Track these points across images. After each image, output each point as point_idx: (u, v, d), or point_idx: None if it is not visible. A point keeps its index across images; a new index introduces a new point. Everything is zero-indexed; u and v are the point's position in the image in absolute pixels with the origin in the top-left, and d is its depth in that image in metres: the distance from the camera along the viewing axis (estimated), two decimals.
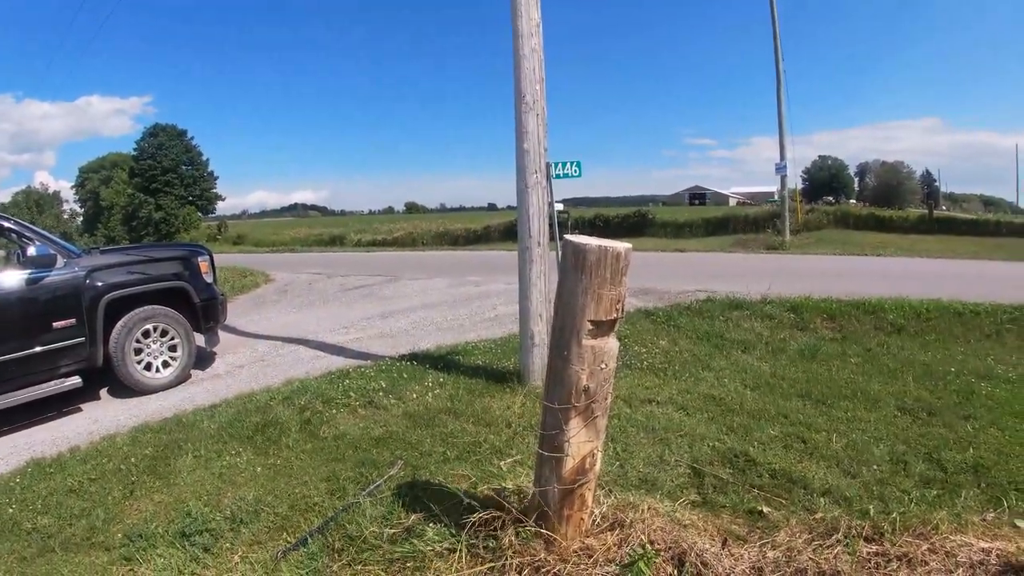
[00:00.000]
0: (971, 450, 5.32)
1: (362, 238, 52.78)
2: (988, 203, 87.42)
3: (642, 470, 4.62)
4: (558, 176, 8.69)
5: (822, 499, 4.31)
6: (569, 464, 3.21)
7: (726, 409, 5.87)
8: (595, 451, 3.28)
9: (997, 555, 3.66)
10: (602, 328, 3.05)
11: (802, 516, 4.03)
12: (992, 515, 4.28)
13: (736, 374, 6.92)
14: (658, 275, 13.85)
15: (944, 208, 66.96)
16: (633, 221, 40.50)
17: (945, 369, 7.43)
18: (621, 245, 3.04)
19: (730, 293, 10.43)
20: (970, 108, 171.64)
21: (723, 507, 4.14)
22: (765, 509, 4.11)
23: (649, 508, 3.79)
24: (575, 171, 8.97)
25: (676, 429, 5.35)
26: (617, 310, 3.05)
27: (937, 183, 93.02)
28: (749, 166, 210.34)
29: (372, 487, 4.48)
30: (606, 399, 3.21)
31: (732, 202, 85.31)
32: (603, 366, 3.10)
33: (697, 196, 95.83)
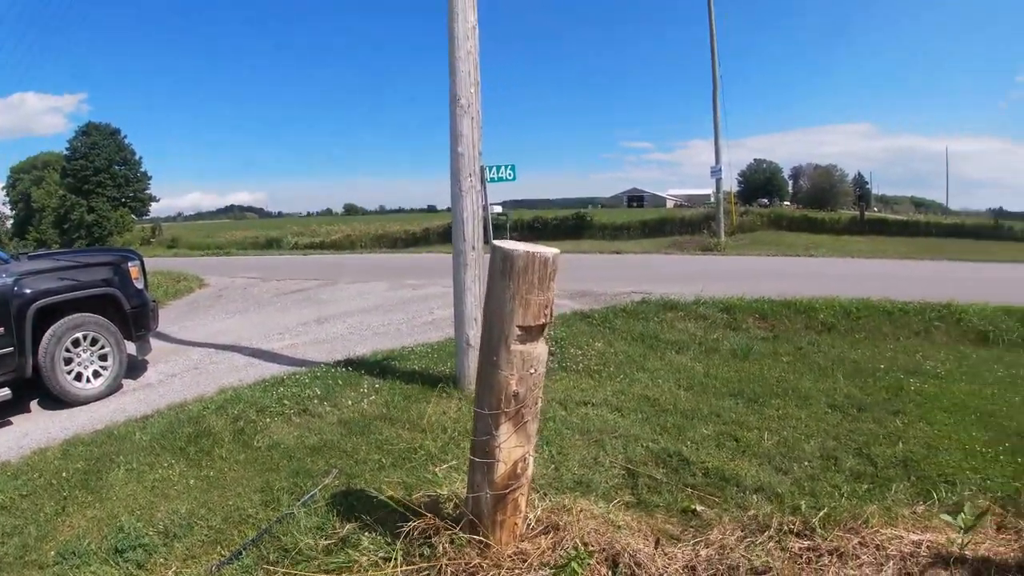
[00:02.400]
0: (900, 445, 5.47)
1: (299, 241, 52.16)
2: (919, 205, 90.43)
3: (577, 472, 4.65)
4: (493, 180, 8.71)
5: (754, 496, 4.37)
6: (501, 469, 3.20)
7: (660, 409, 5.94)
8: (527, 456, 3.28)
9: (927, 547, 3.75)
10: (531, 333, 3.05)
11: (735, 514, 4.10)
12: (922, 508, 4.40)
13: (670, 374, 7.01)
14: (595, 277, 13.98)
15: (876, 210, 69.12)
16: (572, 223, 40.84)
17: (875, 366, 7.64)
18: (548, 251, 3.04)
19: (665, 294, 10.56)
20: (901, 113, 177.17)
21: (657, 507, 4.19)
22: (699, 508, 4.17)
23: (583, 510, 3.82)
24: (510, 175, 9.00)
25: (611, 430, 5.39)
26: (546, 315, 3.06)
27: (869, 186, 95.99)
28: (686, 169, 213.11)
29: (307, 497, 4.41)
30: (536, 404, 3.22)
31: (669, 204, 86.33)
32: (532, 371, 3.10)
33: (635, 198, 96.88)
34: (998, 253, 26.63)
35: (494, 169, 8.47)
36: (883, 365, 7.70)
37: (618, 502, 4.14)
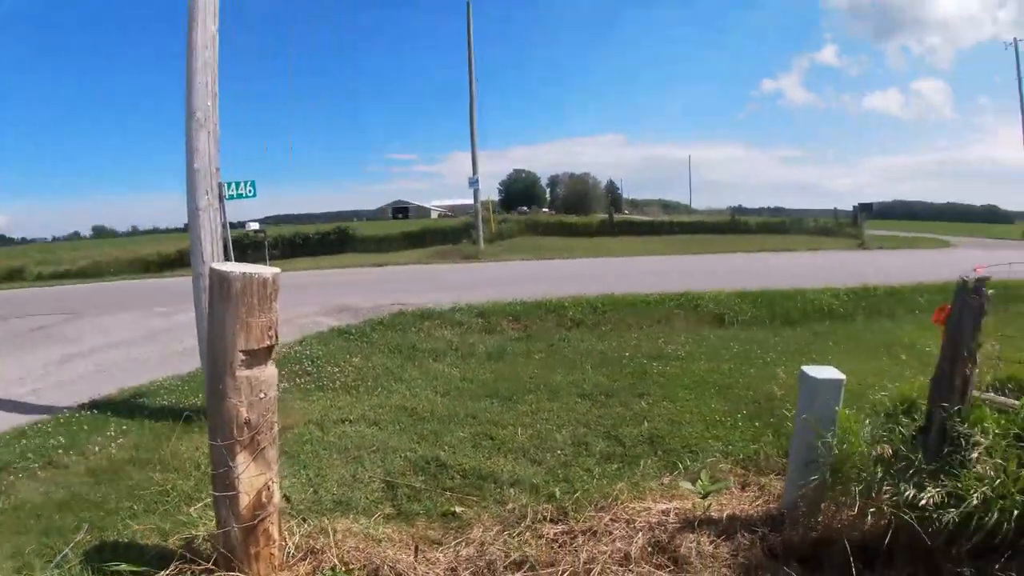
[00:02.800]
0: (646, 423, 5.88)
1: (43, 271, 47.39)
2: (667, 206, 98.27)
3: (336, 492, 4.57)
4: (231, 197, 8.26)
5: (512, 490, 4.52)
6: (245, 501, 3.06)
7: (418, 418, 6.00)
8: (270, 483, 3.17)
9: (675, 514, 4.01)
10: (257, 357, 2.95)
11: (494, 510, 4.21)
12: (668, 478, 4.74)
13: (428, 382, 7.09)
14: (355, 291, 13.83)
15: (627, 212, 74.03)
16: (334, 237, 39.84)
17: (620, 355, 8.15)
18: (268, 270, 2.95)
19: (423, 304, 10.67)
20: (651, 124, 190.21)
21: (418, 515, 4.21)
22: (458, 509, 4.23)
23: (343, 530, 3.77)
24: (250, 191, 8.61)
25: (369, 445, 5.36)
26: (270, 337, 2.96)
27: (620, 191, 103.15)
28: (450, 179, 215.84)
29: (59, 558, 3.99)
30: (272, 429, 3.11)
31: (434, 215, 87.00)
32: (262, 395, 3.00)
33: (400, 210, 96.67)
34: (735, 246, 29.47)
35: (233, 186, 8.05)
36: (628, 353, 8.24)
37: (379, 516, 4.13)
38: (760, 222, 46.00)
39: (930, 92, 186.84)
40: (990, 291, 3.60)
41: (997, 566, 3.10)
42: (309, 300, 11.84)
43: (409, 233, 39.49)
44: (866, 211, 38.04)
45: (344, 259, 27.43)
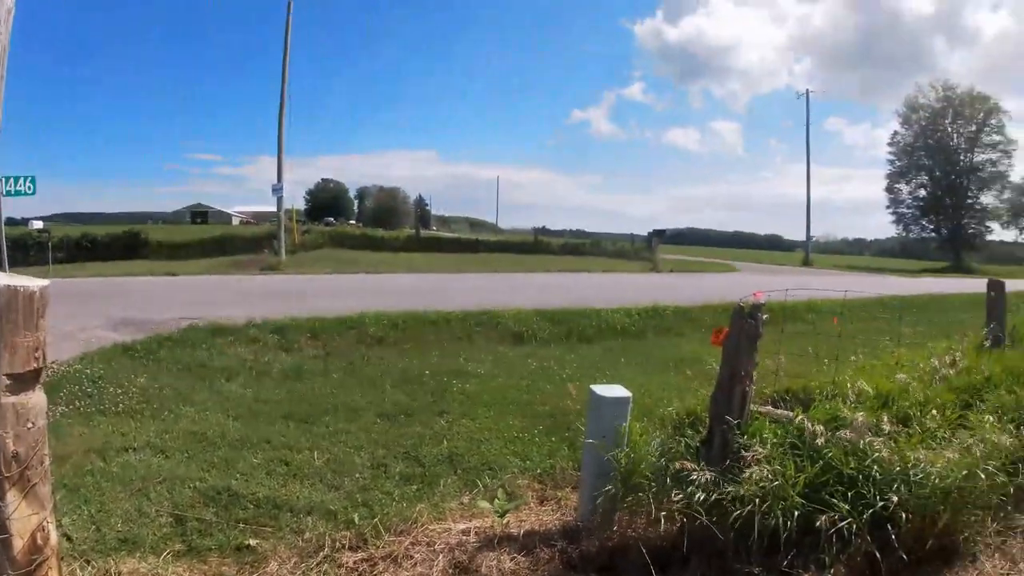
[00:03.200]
0: (446, 442, 5.86)
1: None
2: (474, 224, 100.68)
3: (121, 529, 4.15)
4: (9, 194, 7.56)
5: (309, 518, 4.33)
6: (19, 545, 2.75)
7: (208, 444, 5.60)
8: (45, 524, 2.86)
9: (476, 533, 4.03)
10: (23, 382, 2.66)
11: (290, 540, 4.02)
12: (468, 497, 4.74)
13: (219, 404, 6.66)
14: (144, 303, 12.81)
15: (435, 229, 74.85)
16: (125, 241, 36.97)
17: (421, 372, 8.11)
18: (35, 283, 2.66)
19: (216, 319, 10.04)
20: (463, 143, 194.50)
21: (210, 550, 3.92)
22: (253, 542, 3.99)
23: (130, 571, 3.54)
24: (29, 188, 7.92)
25: (155, 476, 4.91)
26: (37, 359, 2.68)
27: (429, 207, 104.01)
28: (255, 184, 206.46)
29: None
30: (43, 462, 2.81)
31: (235, 221, 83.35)
32: (31, 425, 2.71)
33: (199, 214, 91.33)
34: (538, 265, 30.49)
35: (10, 181, 7.32)
36: (429, 371, 8.22)
37: (168, 554, 3.82)
38: (562, 243, 48.15)
39: (726, 132, 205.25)
40: (765, 316, 3.91)
41: (785, 563, 3.36)
42: (93, 311, 10.86)
43: (207, 240, 37.60)
44: (659, 236, 40.92)
45: (135, 266, 25.48)
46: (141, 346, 8.68)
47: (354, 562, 3.73)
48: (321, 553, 3.81)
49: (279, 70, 29.27)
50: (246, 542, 4.00)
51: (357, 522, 4.21)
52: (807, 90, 57.98)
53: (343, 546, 3.89)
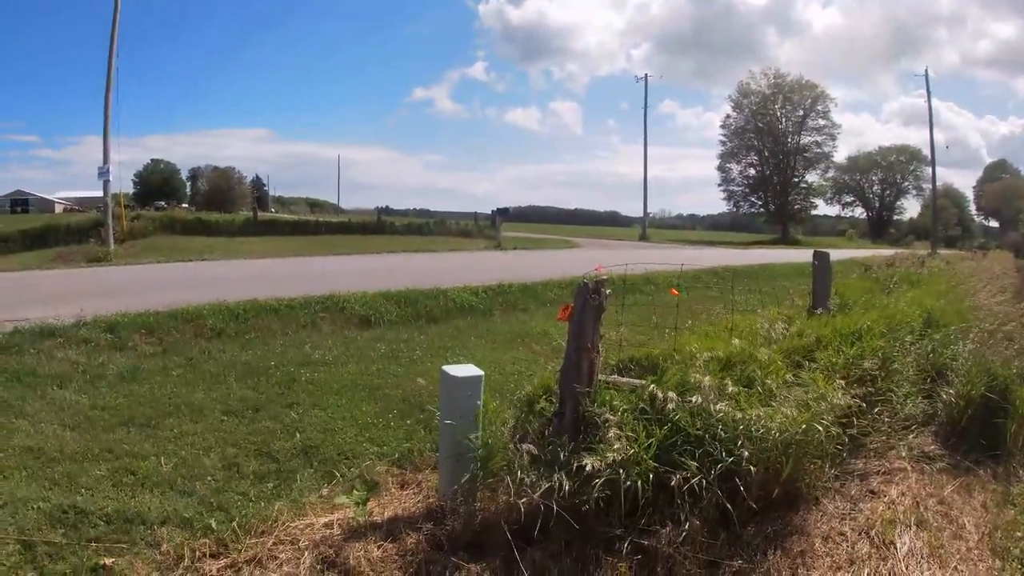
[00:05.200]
0: (298, 435, 5.77)
1: None
2: (314, 205, 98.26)
3: None
4: None
5: (163, 529, 4.14)
6: None
7: (47, 459, 5.17)
8: None
9: (339, 525, 4.03)
10: None
11: (147, 554, 3.85)
12: (327, 489, 4.72)
13: (54, 414, 6.13)
14: None
15: (273, 211, 72.55)
16: None
17: (266, 364, 7.90)
18: None
19: (42, 320, 9.22)
20: (298, 121, 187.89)
21: (65, 574, 3.69)
22: (108, 561, 3.78)
23: None
24: None
25: None
26: None
27: (267, 188, 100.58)
28: (80, 168, 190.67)
29: None
30: None
31: (59, 209, 77.27)
32: None
33: (19, 203, 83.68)
34: (382, 246, 30.26)
35: None
36: (274, 362, 8.02)
37: None
38: (406, 223, 47.92)
39: (565, 111, 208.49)
40: (608, 291, 4.09)
41: (643, 521, 3.56)
42: None
43: (27, 231, 34.85)
44: (502, 215, 41.58)
45: None
46: None
47: (217, 569, 3.65)
48: (182, 564, 3.69)
49: (104, 42, 27.10)
50: (101, 562, 3.78)
51: (215, 528, 4.09)
52: (646, 75, 60.82)
53: (204, 554, 3.78)
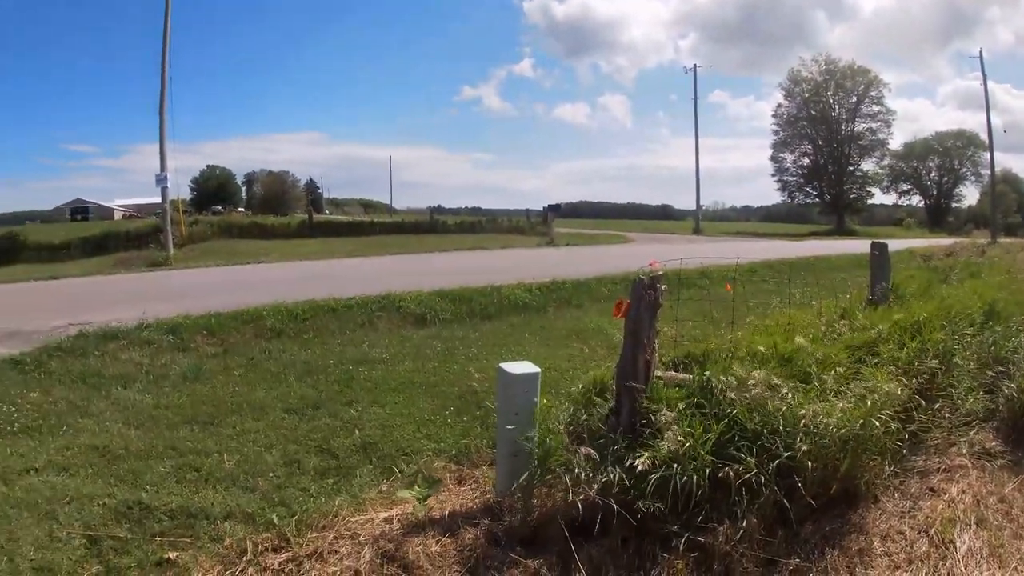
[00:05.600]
0: (357, 432, 5.84)
1: None
2: (367, 206, 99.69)
3: (35, 557, 3.94)
4: None
5: (226, 524, 4.25)
6: None
7: (112, 457, 5.35)
8: None
9: (399, 520, 4.06)
10: None
11: (210, 548, 3.94)
12: (386, 485, 4.76)
13: (118, 414, 6.37)
14: (28, 310, 11.93)
15: (327, 213, 73.57)
16: (3, 244, 34.82)
17: (325, 363, 8.02)
18: None
19: (106, 323, 9.53)
20: (348, 123, 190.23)
21: (129, 569, 3.80)
22: (172, 555, 3.88)
23: None
24: None
25: (62, 496, 4.67)
26: None
27: (320, 190, 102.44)
28: (136, 175, 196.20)
29: None
30: None
31: (118, 215, 79.23)
32: None
33: (80, 210, 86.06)
34: (434, 245, 30.48)
35: None
36: (333, 360, 8.14)
37: None
38: (458, 222, 48.03)
39: (614, 105, 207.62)
40: (664, 287, 4.06)
41: (700, 518, 3.53)
42: None
43: (88, 238, 35.73)
44: (555, 211, 41.58)
45: (14, 271, 23.92)
46: (30, 358, 8.12)
47: (279, 563, 3.70)
48: (244, 558, 3.76)
49: (157, 50, 27.68)
50: (165, 556, 3.89)
51: (277, 522, 4.17)
52: (695, 65, 59.48)
53: (266, 548, 3.85)
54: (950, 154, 78.76)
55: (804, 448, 3.69)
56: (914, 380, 4.87)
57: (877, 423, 3.95)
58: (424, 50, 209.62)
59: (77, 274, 21.55)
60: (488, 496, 4.35)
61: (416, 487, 4.30)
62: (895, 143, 71.17)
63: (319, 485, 4.84)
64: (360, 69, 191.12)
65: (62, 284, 18.55)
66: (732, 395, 3.99)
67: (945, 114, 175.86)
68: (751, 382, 4.12)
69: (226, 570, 3.68)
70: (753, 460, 3.63)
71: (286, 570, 3.64)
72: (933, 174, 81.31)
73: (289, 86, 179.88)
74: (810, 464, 3.68)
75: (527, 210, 51.70)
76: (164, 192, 27.69)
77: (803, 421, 3.83)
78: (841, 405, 4.01)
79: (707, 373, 4.22)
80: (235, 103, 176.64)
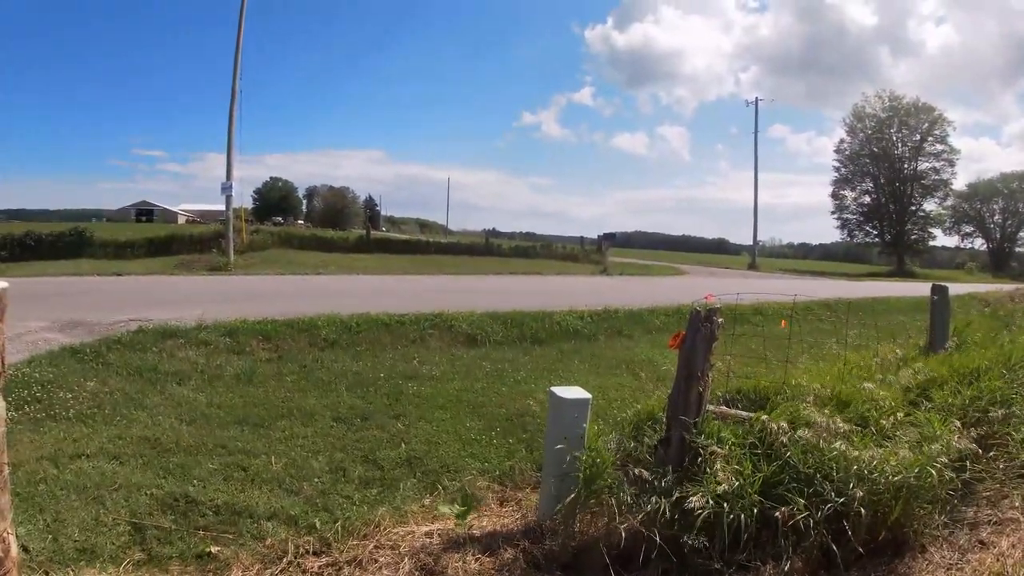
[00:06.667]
0: (403, 445, 5.86)
1: None
2: (424, 225, 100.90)
3: (79, 538, 4.05)
4: None
5: (269, 524, 4.31)
6: None
7: (162, 450, 5.48)
8: (5, 534, 2.80)
9: (439, 535, 4.06)
10: None
11: (252, 546, 4.00)
12: (429, 500, 4.77)
13: (171, 409, 6.51)
14: (91, 303, 12.48)
15: (384, 229, 74.37)
16: (69, 239, 35.62)
17: (375, 375, 8.07)
18: None
19: (165, 321, 9.76)
20: (412, 143, 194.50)
21: (171, 559, 3.88)
22: (214, 549, 3.95)
23: None
24: None
25: (110, 483, 4.79)
26: None
27: (379, 207, 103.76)
28: (201, 182, 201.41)
29: None
30: (2, 471, 2.76)
31: (182, 220, 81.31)
32: None
33: (144, 212, 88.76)
34: (489, 267, 30.59)
35: None
36: (383, 374, 8.19)
37: (128, 563, 3.78)
38: (513, 246, 48.03)
39: (673, 136, 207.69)
40: (720, 320, 4.02)
41: (744, 556, 3.46)
42: (39, 313, 10.44)
43: (153, 239, 36.44)
44: (609, 239, 41.49)
45: (81, 265, 24.54)
46: (90, 349, 8.37)
47: (319, 567, 3.74)
48: (284, 559, 3.81)
49: (228, 63, 28.50)
50: (207, 550, 3.97)
51: (319, 527, 4.22)
52: (756, 98, 59.29)
53: (306, 551, 3.90)
54: (1015, 196, 76.47)
55: (859, 494, 3.61)
56: (971, 429, 4.73)
57: (933, 471, 3.85)
58: (486, 75, 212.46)
59: (140, 272, 22.11)
60: (529, 519, 4.32)
61: (458, 504, 4.30)
62: (959, 183, 68.93)
63: (363, 494, 4.87)
64: (424, 90, 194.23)
65: (125, 281, 19.08)
66: (785, 439, 3.92)
67: (1011, 155, 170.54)
68: (812, 426, 4.06)
69: (265, 569, 3.73)
70: (803, 502, 3.56)
71: (325, 574, 3.68)
72: (997, 216, 78.82)
73: (354, 104, 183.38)
74: (862, 510, 3.60)
75: (581, 237, 51.66)
76: (228, 200, 28.36)
77: (855, 466, 3.75)
78: (901, 453, 3.92)
79: (764, 416, 4.15)
80: (301, 118, 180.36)
